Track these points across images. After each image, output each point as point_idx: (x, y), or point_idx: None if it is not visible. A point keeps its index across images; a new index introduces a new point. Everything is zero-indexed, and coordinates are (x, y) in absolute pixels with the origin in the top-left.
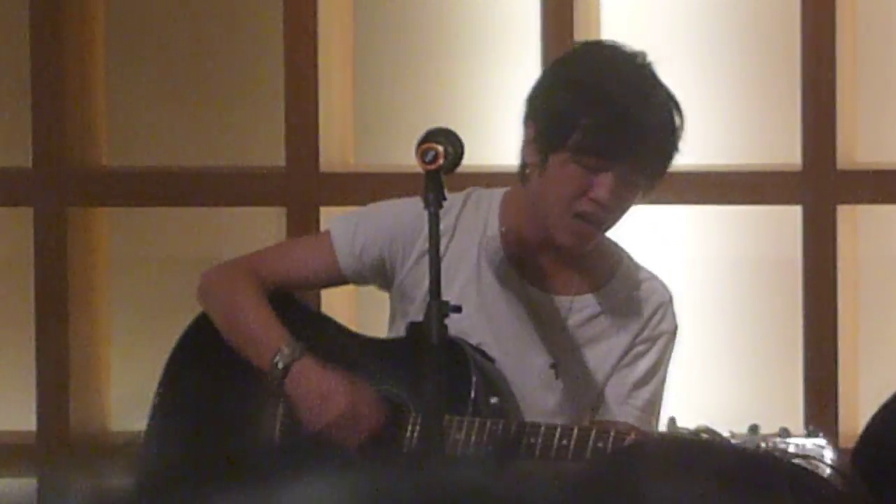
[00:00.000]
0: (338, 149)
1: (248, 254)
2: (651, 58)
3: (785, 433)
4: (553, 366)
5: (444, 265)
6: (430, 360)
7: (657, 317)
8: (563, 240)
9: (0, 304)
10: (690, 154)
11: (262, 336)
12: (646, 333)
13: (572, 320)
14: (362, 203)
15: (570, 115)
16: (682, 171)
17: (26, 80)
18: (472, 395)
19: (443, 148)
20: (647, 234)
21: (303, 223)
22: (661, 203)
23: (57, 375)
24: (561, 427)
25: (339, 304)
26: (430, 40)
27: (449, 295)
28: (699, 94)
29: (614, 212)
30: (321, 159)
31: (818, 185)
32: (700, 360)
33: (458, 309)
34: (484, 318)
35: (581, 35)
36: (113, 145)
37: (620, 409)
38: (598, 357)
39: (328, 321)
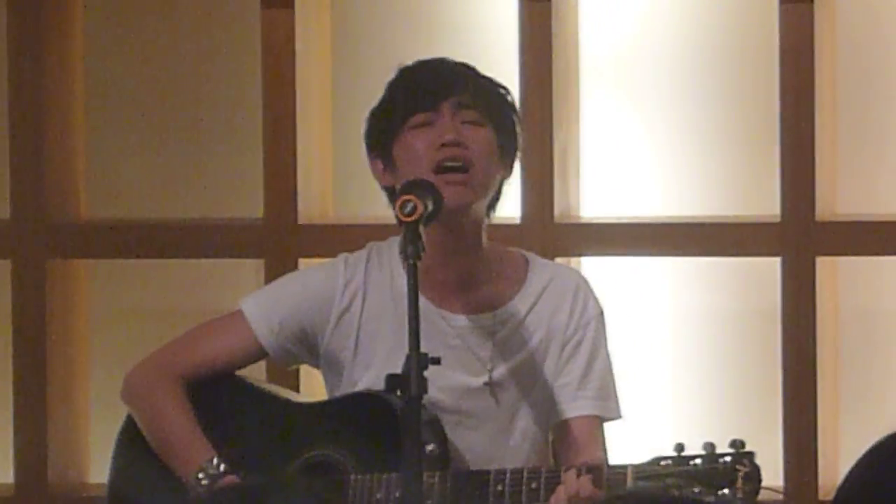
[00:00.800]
0: (317, 200)
1: (165, 345)
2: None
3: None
4: (487, 384)
5: (364, 325)
6: (407, 413)
7: (579, 304)
8: (446, 199)
9: None
10: (670, 206)
11: (183, 453)
12: (573, 326)
13: (501, 333)
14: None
15: (386, 109)
16: (662, 222)
17: (5, 132)
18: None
19: (421, 200)
20: (627, 285)
21: (281, 274)
22: (640, 255)
23: (35, 427)
24: (527, 470)
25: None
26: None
27: (379, 351)
28: (679, 146)
29: (472, 152)
30: (300, 210)
31: (797, 236)
32: (679, 410)
33: (437, 361)
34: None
35: (559, 75)
36: (92, 197)
37: (575, 406)
38: (535, 364)
39: (258, 389)
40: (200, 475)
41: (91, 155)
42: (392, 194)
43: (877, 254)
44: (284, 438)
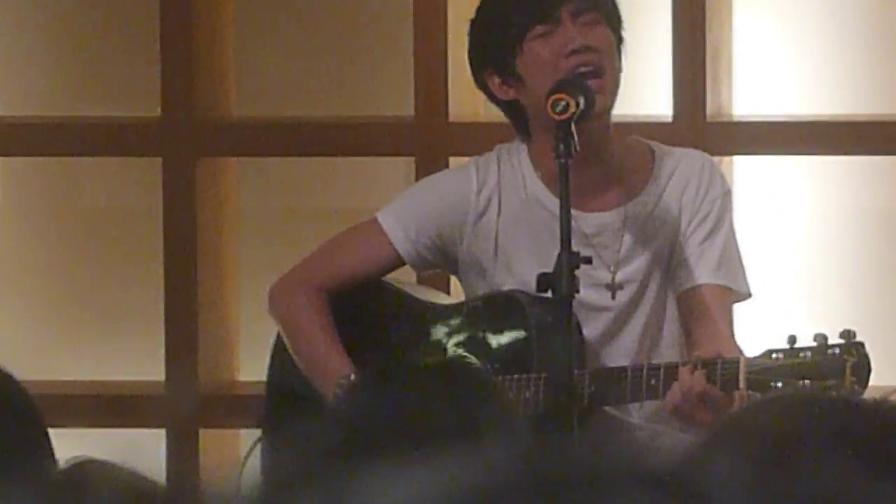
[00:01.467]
0: (467, 99)
1: (305, 259)
2: None
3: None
4: (609, 286)
5: (501, 227)
6: (558, 312)
7: (705, 182)
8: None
9: (130, 255)
10: (823, 104)
11: (323, 369)
12: (698, 201)
13: (631, 227)
14: None
15: (499, 22)
16: (814, 120)
17: (155, 31)
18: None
19: (573, 98)
20: (780, 184)
21: (432, 173)
22: (793, 153)
23: (186, 326)
24: (647, 367)
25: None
26: None
27: (517, 253)
28: (831, 44)
29: (601, 53)
30: (451, 109)
31: None
32: (824, 312)
33: (588, 260)
34: (545, 263)
35: None
36: (242, 95)
37: (697, 274)
38: (662, 248)
39: (402, 293)
40: (338, 391)
41: (240, 53)
42: (511, 108)
43: None
44: (423, 342)
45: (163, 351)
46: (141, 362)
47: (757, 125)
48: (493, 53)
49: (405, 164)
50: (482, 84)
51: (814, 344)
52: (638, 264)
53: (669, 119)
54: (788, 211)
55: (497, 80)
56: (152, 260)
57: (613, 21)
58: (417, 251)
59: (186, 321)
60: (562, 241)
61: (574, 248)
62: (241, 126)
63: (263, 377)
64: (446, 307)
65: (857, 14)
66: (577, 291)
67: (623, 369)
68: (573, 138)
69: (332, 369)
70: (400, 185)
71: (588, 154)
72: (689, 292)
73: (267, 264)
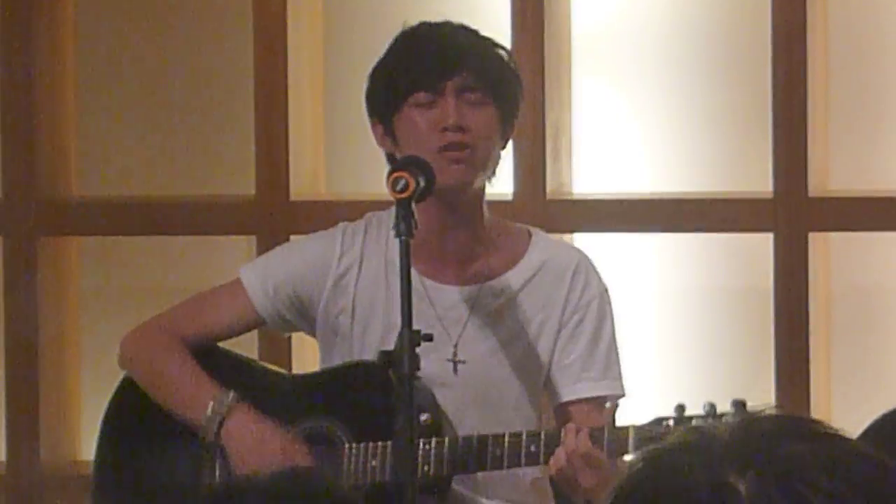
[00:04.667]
0: (309, 176)
1: (162, 312)
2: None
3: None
4: (451, 360)
5: (359, 293)
6: (400, 389)
7: (579, 284)
8: (445, 179)
9: None
10: (663, 182)
11: (191, 393)
12: (572, 305)
13: (483, 308)
14: None
15: (389, 79)
16: (654, 198)
17: None
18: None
19: (413, 176)
20: (619, 261)
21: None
22: (632, 230)
23: (27, 405)
24: (526, 433)
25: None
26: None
27: (373, 321)
28: (671, 123)
29: (474, 133)
30: (292, 187)
31: (790, 212)
32: (670, 388)
33: (429, 337)
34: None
35: (551, 53)
36: (83, 174)
37: (577, 388)
38: (526, 340)
39: (251, 364)
40: (211, 407)
41: (82, 132)
42: (391, 158)
43: (869, 229)
44: (279, 410)
45: (4, 430)
46: None
47: (597, 202)
48: (378, 104)
49: (246, 242)
50: (371, 129)
51: (702, 412)
52: (484, 346)
53: (510, 197)
54: (628, 287)
55: (380, 130)
56: None
57: (502, 103)
58: (276, 308)
59: (28, 400)
60: (402, 318)
61: (425, 316)
62: (83, 205)
63: None
64: (304, 376)
65: (700, 91)
66: (418, 369)
67: (500, 435)
68: (413, 217)
69: (204, 389)
70: (241, 262)
71: (457, 224)
72: (564, 407)
73: (108, 343)
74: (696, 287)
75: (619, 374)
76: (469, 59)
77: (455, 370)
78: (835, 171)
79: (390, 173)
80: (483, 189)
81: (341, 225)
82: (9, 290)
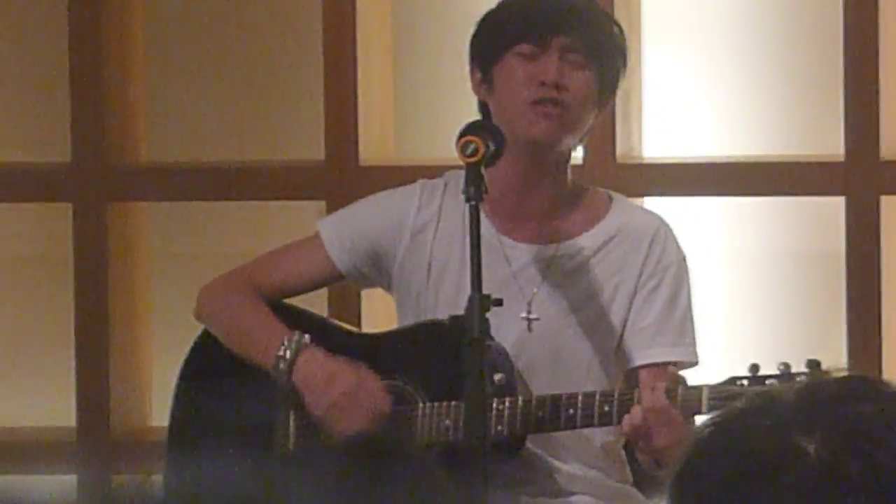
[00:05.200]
0: (378, 141)
1: (241, 266)
2: None
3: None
4: (525, 318)
5: (436, 251)
6: (471, 354)
7: (656, 250)
8: (533, 133)
9: (40, 300)
10: (733, 146)
11: (264, 335)
12: (648, 270)
13: (559, 268)
14: None
15: (497, 26)
16: (724, 161)
17: (65, 75)
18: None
19: (483, 141)
20: (689, 226)
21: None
22: (702, 195)
23: (97, 372)
24: (599, 393)
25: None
26: (470, 31)
27: (448, 279)
28: (741, 84)
29: (571, 94)
30: (361, 152)
31: (862, 175)
32: (743, 352)
33: (499, 302)
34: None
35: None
36: (152, 140)
37: (650, 353)
38: (599, 304)
39: (325, 322)
40: (283, 346)
41: (151, 97)
42: (482, 108)
43: None
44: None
45: (74, 397)
46: (52, 409)
47: (667, 166)
48: (480, 50)
49: (316, 207)
50: (470, 74)
51: (777, 372)
52: (558, 305)
53: (580, 161)
54: (698, 251)
55: (478, 76)
56: (63, 306)
57: (604, 71)
58: (353, 262)
59: (98, 367)
60: (472, 284)
61: (500, 273)
62: (152, 171)
63: None
64: (378, 335)
65: (771, 53)
66: (488, 333)
67: (573, 395)
68: (483, 181)
69: (277, 333)
70: (311, 229)
71: (539, 182)
72: (636, 371)
73: (178, 309)
74: (767, 251)
75: (694, 340)
76: (579, 21)
77: (529, 328)
78: None
79: (460, 137)
80: (570, 151)
81: (421, 181)
82: (79, 256)
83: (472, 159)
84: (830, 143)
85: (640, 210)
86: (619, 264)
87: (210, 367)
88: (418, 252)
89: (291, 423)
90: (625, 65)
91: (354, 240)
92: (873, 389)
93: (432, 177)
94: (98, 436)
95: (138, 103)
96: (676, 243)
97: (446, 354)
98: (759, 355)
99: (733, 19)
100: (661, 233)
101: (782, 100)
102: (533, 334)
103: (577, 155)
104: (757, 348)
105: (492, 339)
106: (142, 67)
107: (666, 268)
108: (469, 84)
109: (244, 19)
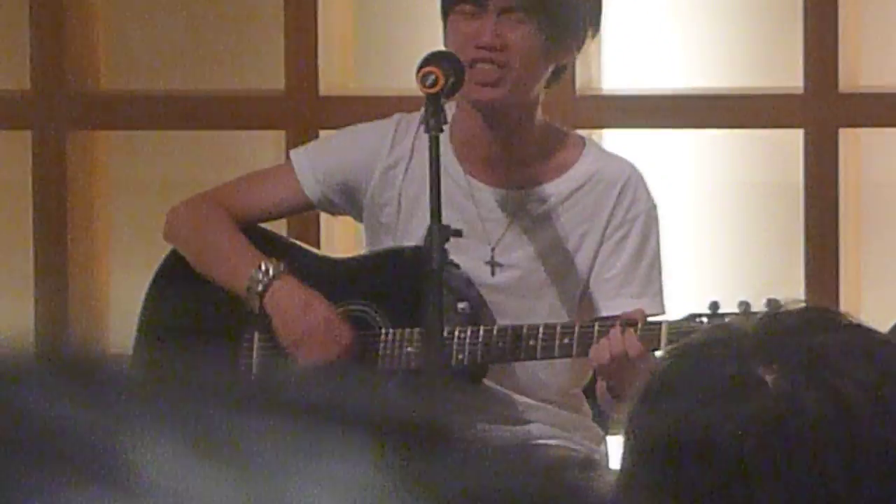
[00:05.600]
0: (338, 72)
1: (211, 189)
2: None
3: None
4: (489, 262)
5: (406, 186)
6: (429, 284)
7: (626, 199)
8: (473, 98)
9: None
10: (692, 78)
11: (238, 261)
12: (617, 219)
13: (526, 213)
14: None
15: None
16: (684, 94)
17: (25, 2)
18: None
19: (443, 72)
20: (647, 158)
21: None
22: (662, 127)
23: (56, 299)
24: (560, 325)
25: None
26: None
27: (417, 213)
28: (701, 17)
29: (511, 52)
30: (321, 82)
31: (820, 108)
32: (700, 283)
33: (458, 233)
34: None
35: None
36: (112, 68)
37: (615, 303)
38: (565, 251)
39: (290, 243)
40: (259, 271)
41: (111, 25)
42: None
43: None
44: (317, 290)
45: (33, 325)
46: (10, 337)
47: (626, 98)
48: (441, 5)
49: (275, 137)
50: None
51: (737, 310)
52: (523, 251)
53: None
54: (658, 184)
55: (443, 29)
56: (22, 234)
57: (547, 23)
58: (324, 193)
59: (57, 294)
60: (431, 215)
61: (467, 215)
62: (112, 99)
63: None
64: (344, 259)
65: None
66: (446, 263)
67: (535, 326)
68: (443, 112)
69: (249, 258)
70: (270, 158)
71: (504, 127)
72: (607, 319)
73: (137, 237)
74: (726, 183)
75: (660, 291)
76: None
77: (492, 272)
78: (866, 67)
79: (420, 68)
80: (532, 100)
81: (396, 116)
82: (38, 183)
83: (432, 90)
84: (790, 76)
85: (613, 157)
86: (588, 213)
87: (176, 288)
88: (389, 187)
89: (255, 345)
90: (574, 8)
91: (326, 171)
92: (831, 320)
93: (396, 108)
94: None
95: (98, 31)
96: (647, 191)
97: (410, 282)
98: (717, 287)
99: None
100: (631, 181)
101: (742, 32)
102: (495, 278)
103: None
104: (715, 280)
105: (456, 266)
106: None
107: (634, 217)
108: (430, 14)
109: None
